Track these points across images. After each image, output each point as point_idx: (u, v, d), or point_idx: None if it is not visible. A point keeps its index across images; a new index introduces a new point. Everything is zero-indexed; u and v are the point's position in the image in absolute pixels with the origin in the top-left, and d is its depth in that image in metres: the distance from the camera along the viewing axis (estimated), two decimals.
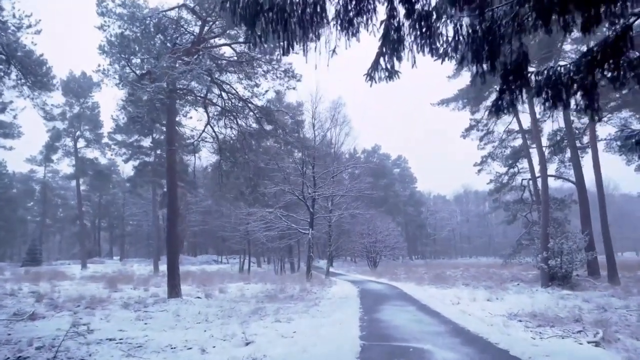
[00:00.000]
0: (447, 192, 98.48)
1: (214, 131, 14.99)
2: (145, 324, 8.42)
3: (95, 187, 48.67)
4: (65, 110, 37.58)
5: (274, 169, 21.09)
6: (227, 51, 16.63)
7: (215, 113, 16.65)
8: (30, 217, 59.71)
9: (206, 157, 27.51)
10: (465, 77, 22.84)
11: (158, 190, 39.78)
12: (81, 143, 39.68)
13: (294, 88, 14.86)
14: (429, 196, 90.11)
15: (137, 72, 14.28)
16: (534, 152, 22.26)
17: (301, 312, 10.06)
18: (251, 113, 15.88)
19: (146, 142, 37.66)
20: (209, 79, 14.22)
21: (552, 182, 23.52)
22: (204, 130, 14.74)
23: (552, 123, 23.60)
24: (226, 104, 15.46)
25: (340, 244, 40.63)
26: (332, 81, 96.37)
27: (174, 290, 12.73)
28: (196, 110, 17.94)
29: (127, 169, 49.92)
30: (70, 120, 37.39)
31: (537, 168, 22.13)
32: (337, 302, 12.43)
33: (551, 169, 23.29)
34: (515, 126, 23.54)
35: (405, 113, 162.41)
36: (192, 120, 50.17)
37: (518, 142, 24.21)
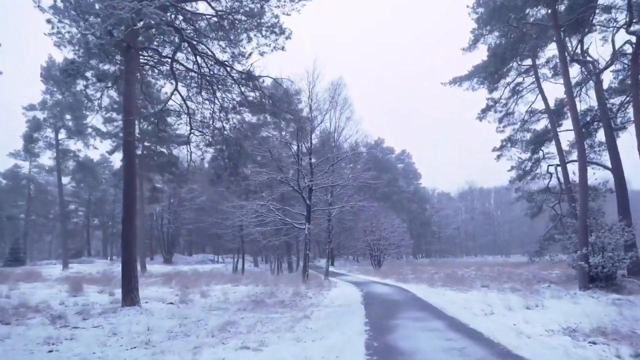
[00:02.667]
0: (451, 189, 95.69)
1: (184, 102, 12.32)
2: (50, 351, 5.76)
3: (81, 181, 46.04)
4: (45, 99, 34.96)
5: (263, 153, 18.41)
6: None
7: (193, 85, 13.99)
8: (23, 216, 57.26)
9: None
10: (482, 51, 20.11)
11: (146, 184, 37.26)
12: (63, 135, 37.06)
13: (282, 48, 12.15)
14: (433, 193, 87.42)
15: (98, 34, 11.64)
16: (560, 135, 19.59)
17: (285, 329, 7.35)
18: (234, 85, 13.20)
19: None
20: (178, 35, 11.57)
21: (572, 171, 20.69)
22: (170, 98, 12.09)
23: (580, 103, 20.84)
24: (203, 71, 12.79)
25: (342, 241, 37.92)
26: (332, 70, 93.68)
27: (129, 296, 10.06)
28: (171, 83, 15.30)
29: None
30: (51, 109, 34.74)
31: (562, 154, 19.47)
32: (336, 312, 9.71)
33: (574, 155, 20.53)
34: (538, 105, 20.78)
35: (408, 107, 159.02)
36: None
37: (542, 124, 21.44)
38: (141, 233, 36.06)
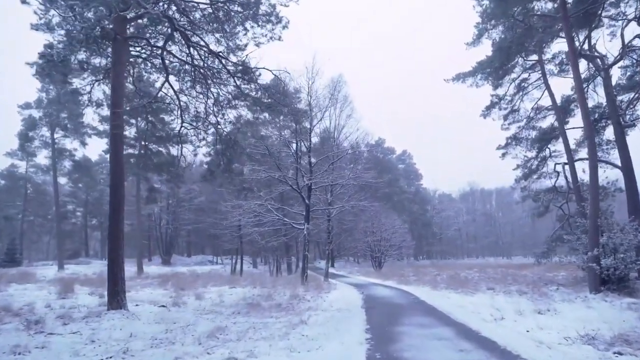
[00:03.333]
0: (452, 189, 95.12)
1: (176, 95, 11.74)
2: None
3: (78, 181, 45.48)
4: (41, 97, 34.41)
5: (261, 151, 17.79)
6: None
7: (187, 79, 13.41)
8: (22, 216, 56.64)
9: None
10: (486, 47, 19.51)
11: (143, 184, 36.67)
12: (60, 134, 36.47)
13: (279, 38, 11.58)
14: (434, 194, 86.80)
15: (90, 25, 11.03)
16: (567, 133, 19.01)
17: (279, 336, 6.74)
18: (230, 79, 12.62)
19: (130, 132, 34.64)
20: (169, 24, 11.00)
21: (581, 169, 20.00)
22: (160, 90, 11.51)
23: (587, 100, 20.22)
24: (197, 63, 12.21)
25: (342, 242, 37.29)
26: (330, 65, 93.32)
27: (115, 299, 9.46)
28: (164, 76, 14.74)
29: None
30: (47, 107, 34.17)
31: (572, 150, 18.86)
32: (334, 317, 9.08)
33: (582, 153, 19.94)
34: (545, 102, 20.16)
35: (408, 105, 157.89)
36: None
37: (548, 121, 20.84)
38: (139, 234, 35.52)
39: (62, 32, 9.97)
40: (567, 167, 18.06)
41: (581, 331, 7.07)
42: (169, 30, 11.37)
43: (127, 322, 8.47)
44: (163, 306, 11.86)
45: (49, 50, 8.46)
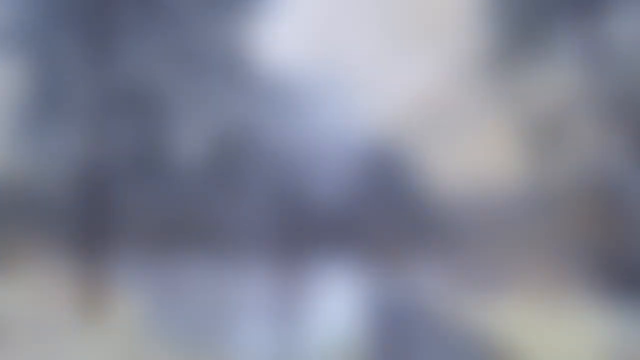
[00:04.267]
0: None
1: (161, 87, 10.80)
2: None
3: None
4: None
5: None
6: None
7: (173, 68, 12.48)
8: None
9: None
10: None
11: None
12: None
13: (275, 20, 10.63)
14: None
15: None
16: None
17: None
18: (222, 68, 11.72)
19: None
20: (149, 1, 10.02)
21: None
22: (143, 81, 10.56)
23: None
24: (182, 48, 11.30)
25: None
26: None
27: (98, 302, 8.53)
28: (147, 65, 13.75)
29: None
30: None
31: None
32: None
33: None
34: None
35: None
36: None
37: None
38: None
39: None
40: None
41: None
42: (153, 12, 10.44)
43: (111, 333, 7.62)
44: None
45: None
